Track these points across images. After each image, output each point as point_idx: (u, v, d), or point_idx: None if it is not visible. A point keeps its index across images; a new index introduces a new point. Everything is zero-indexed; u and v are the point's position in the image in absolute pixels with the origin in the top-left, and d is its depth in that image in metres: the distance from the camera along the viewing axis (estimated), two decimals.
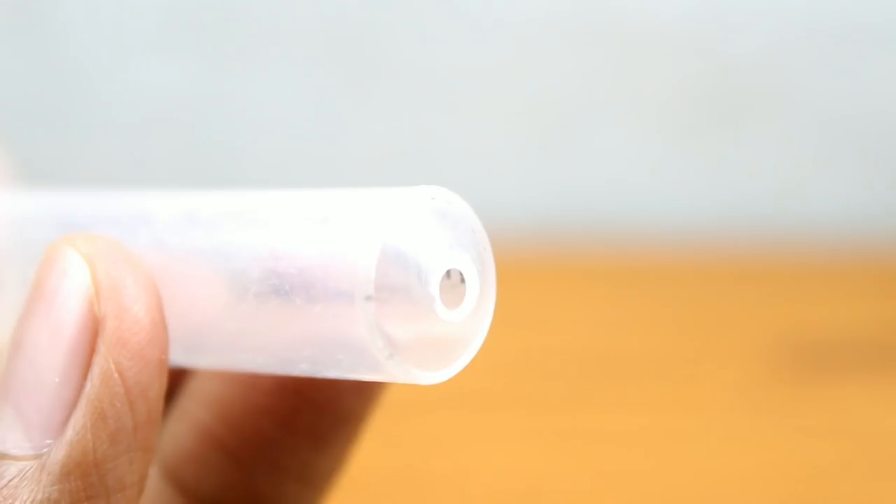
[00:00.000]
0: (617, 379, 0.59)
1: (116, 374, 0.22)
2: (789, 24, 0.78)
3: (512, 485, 0.52)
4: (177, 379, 0.28)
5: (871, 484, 0.51)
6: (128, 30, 0.80)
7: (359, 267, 0.22)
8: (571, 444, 0.54)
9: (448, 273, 0.22)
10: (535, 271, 0.69)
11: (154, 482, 0.27)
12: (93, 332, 0.23)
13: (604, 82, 0.79)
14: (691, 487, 0.51)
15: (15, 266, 0.26)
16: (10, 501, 0.22)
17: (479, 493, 0.51)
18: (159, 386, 0.23)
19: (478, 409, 0.55)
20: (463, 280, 0.23)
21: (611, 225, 0.78)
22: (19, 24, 0.79)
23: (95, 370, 0.22)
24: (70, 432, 0.22)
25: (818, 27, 0.78)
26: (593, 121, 0.80)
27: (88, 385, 0.22)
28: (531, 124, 0.80)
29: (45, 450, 0.22)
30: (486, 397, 0.55)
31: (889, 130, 0.79)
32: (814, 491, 0.51)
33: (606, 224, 0.78)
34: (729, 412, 0.57)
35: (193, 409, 0.28)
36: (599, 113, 0.79)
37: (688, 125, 0.79)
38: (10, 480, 0.22)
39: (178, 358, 0.24)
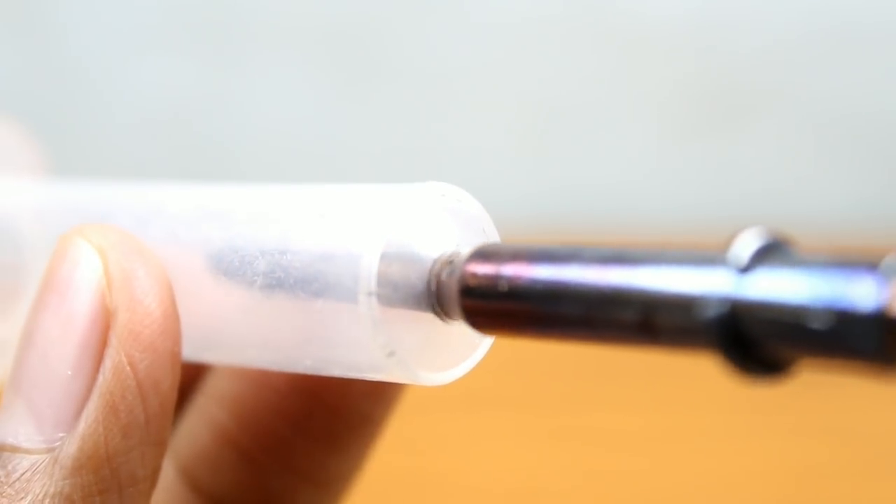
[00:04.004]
0: (616, 379, 0.59)
1: (128, 367, 0.22)
2: (789, 24, 0.78)
3: (512, 484, 0.52)
4: (194, 375, 0.28)
5: (866, 483, 0.51)
6: (128, 30, 0.80)
7: (361, 262, 0.21)
8: (571, 444, 0.54)
9: None
10: None
11: (169, 480, 0.27)
12: (104, 323, 0.22)
13: (604, 82, 0.79)
14: (690, 486, 0.51)
15: (41, 257, 0.26)
16: (23, 495, 0.22)
17: (479, 492, 0.51)
18: (172, 378, 0.22)
19: (478, 409, 0.55)
20: None
21: (610, 224, 0.78)
22: (19, 24, 0.79)
23: (107, 363, 0.22)
24: (82, 426, 0.22)
25: (818, 27, 0.78)
26: (593, 120, 0.80)
27: (100, 378, 0.22)
28: (530, 124, 0.80)
29: (58, 443, 0.22)
30: (486, 397, 0.55)
31: (888, 130, 0.79)
32: (810, 490, 0.51)
33: (606, 223, 0.78)
34: (726, 412, 0.57)
35: (210, 407, 0.27)
36: (599, 113, 0.79)
37: (687, 125, 0.79)
38: (22, 474, 0.22)
39: (187, 352, 0.24)
